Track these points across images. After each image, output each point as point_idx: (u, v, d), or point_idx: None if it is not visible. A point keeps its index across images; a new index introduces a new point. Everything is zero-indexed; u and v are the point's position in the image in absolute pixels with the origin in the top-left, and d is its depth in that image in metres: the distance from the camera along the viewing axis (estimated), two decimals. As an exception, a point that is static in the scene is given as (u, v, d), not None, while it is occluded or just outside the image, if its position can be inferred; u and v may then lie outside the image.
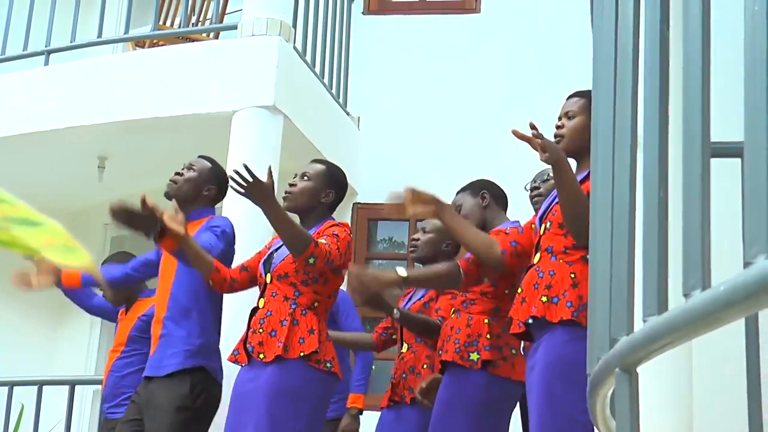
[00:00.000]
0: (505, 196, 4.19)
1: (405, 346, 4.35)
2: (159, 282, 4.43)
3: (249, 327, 3.91)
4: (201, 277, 4.09)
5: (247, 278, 4.08)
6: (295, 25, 6.12)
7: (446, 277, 3.70)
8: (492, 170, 6.65)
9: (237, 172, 3.72)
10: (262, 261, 4.04)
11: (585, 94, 3.38)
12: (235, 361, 3.93)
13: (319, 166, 4.13)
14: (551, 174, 4.36)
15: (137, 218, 3.93)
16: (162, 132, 6.15)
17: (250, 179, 3.71)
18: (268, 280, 3.94)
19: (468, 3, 7.32)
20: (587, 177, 3.19)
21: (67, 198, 7.78)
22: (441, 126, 7.12)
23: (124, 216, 3.99)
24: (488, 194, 4.11)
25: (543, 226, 3.32)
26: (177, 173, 4.49)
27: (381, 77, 7.30)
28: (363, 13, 7.43)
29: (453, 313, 4.01)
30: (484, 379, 3.79)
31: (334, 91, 6.79)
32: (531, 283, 3.24)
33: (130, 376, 4.91)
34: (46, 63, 6.40)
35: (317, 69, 6.52)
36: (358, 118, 7.13)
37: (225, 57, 5.83)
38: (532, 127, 3.17)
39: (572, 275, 3.16)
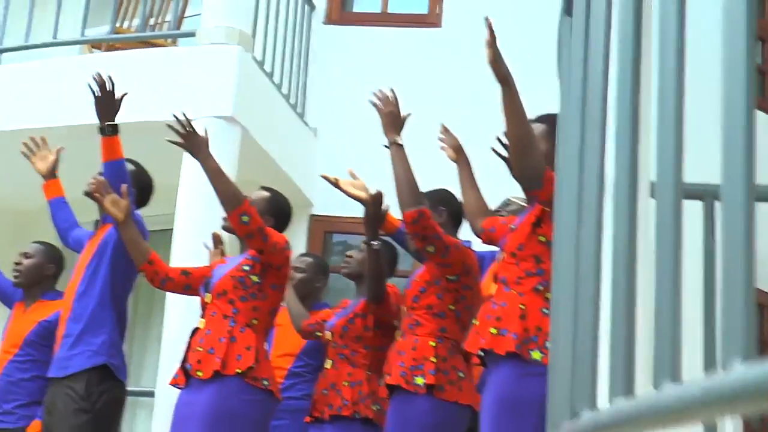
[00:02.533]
0: (461, 215, 4.15)
1: (329, 362, 4.31)
2: (69, 282, 4.36)
3: (189, 347, 3.87)
4: (108, 280, 4.14)
5: (183, 283, 4.10)
6: (254, 34, 6.05)
7: (410, 188, 3.66)
8: (451, 184, 6.63)
9: (176, 118, 3.70)
10: (203, 283, 4.00)
11: (545, 120, 3.35)
12: (175, 385, 3.89)
13: (263, 194, 4.13)
14: (512, 199, 4.35)
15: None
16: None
17: (189, 129, 3.76)
18: (208, 300, 3.92)
19: (429, 17, 7.28)
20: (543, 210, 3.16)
21: (17, 198, 7.63)
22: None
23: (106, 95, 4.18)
24: (446, 212, 4.07)
25: (500, 256, 3.30)
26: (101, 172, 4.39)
27: (340, 88, 7.23)
28: (324, 23, 7.35)
29: (400, 336, 3.96)
30: (431, 403, 3.74)
31: (292, 101, 6.73)
32: (485, 314, 3.21)
33: (23, 383, 4.72)
34: (-1, 62, 6.28)
35: (276, 79, 6.45)
36: (316, 129, 7.06)
37: (183, 65, 5.75)
38: (487, 19, 3.15)
39: (521, 306, 3.13)
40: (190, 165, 5.45)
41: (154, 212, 6.90)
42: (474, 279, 3.89)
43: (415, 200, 3.64)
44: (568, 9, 1.74)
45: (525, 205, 4.36)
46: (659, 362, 1.07)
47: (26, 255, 4.88)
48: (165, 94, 5.72)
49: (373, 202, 4.03)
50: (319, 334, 4.52)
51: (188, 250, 5.37)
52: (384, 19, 7.37)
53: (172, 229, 5.68)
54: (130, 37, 6.33)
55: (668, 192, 1.23)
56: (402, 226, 4.31)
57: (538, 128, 3.33)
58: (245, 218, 3.74)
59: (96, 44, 6.73)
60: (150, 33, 6.26)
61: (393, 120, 3.82)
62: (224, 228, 4.14)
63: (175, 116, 3.73)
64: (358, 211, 6.88)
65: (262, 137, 5.94)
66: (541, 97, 6.51)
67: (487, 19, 3.11)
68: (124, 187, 4.01)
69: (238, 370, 3.72)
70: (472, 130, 6.99)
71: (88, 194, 4.32)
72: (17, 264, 4.86)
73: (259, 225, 3.77)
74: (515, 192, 4.19)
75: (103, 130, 4.16)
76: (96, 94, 3.86)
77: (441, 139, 3.83)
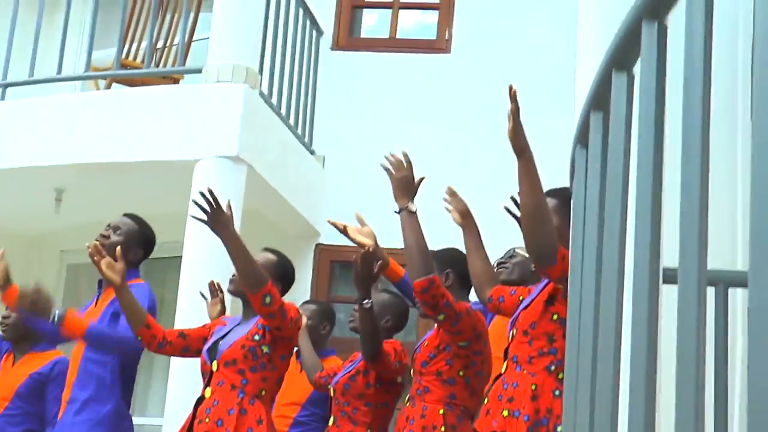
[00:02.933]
0: (469, 276, 4.06)
1: (332, 419, 4.25)
2: (74, 347, 4.27)
3: (194, 417, 3.81)
4: (114, 348, 4.09)
5: (181, 346, 4.03)
6: (261, 67, 6.00)
7: (421, 256, 3.57)
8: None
9: (202, 195, 3.65)
10: (206, 349, 3.94)
11: (557, 194, 3.28)
12: None
13: (270, 257, 4.12)
14: (517, 251, 4.28)
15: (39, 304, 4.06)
16: (122, 174, 6.01)
17: (215, 207, 3.69)
18: (214, 368, 3.85)
19: (438, 42, 7.21)
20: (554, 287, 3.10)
21: (23, 224, 7.61)
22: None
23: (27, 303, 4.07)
24: (453, 274, 3.98)
25: (511, 332, 3.23)
26: (102, 234, 4.33)
27: (348, 114, 7.18)
28: (331, 49, 7.30)
29: (408, 401, 3.89)
30: None
31: (299, 130, 6.68)
32: (496, 394, 3.16)
33: None
34: (3, 97, 6.23)
35: (283, 108, 6.41)
36: (323, 157, 7.01)
37: (189, 102, 5.70)
38: (511, 88, 3.05)
39: (533, 387, 3.08)
40: (197, 207, 5.41)
41: (163, 240, 6.88)
42: (484, 344, 3.81)
43: (425, 269, 3.55)
44: (582, 139, 1.69)
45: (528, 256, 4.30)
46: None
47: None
48: (170, 132, 5.68)
49: (363, 262, 3.95)
50: (330, 387, 4.46)
51: (197, 278, 5.35)
52: (392, 44, 7.30)
53: (180, 257, 5.64)
54: (134, 73, 6.27)
55: (691, 278, 1.23)
56: (405, 275, 4.24)
57: (549, 203, 3.26)
58: (268, 299, 3.69)
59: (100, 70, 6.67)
60: (155, 69, 6.20)
61: (405, 185, 3.71)
62: (230, 291, 4.07)
63: (201, 193, 3.67)
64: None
65: (268, 173, 5.89)
66: (551, 114, 6.47)
67: (511, 88, 3.02)
68: (118, 250, 3.94)
69: None
70: (481, 155, 6.95)
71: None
72: (5, 318, 4.80)
73: (280, 305, 3.71)
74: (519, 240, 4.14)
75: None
76: (207, 213, 3.71)
77: (447, 201, 3.72)
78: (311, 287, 6.89)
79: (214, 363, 3.85)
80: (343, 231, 4.19)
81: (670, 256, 1.55)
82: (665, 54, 1.34)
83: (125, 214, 4.46)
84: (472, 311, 3.71)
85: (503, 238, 4.34)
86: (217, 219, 3.70)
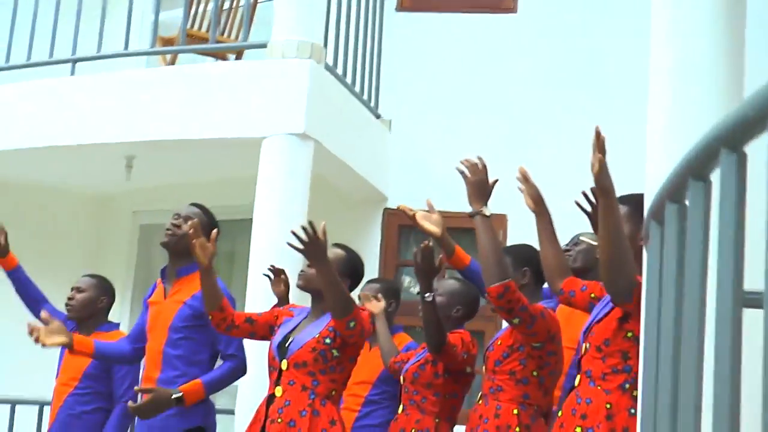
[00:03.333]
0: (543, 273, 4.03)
1: (401, 407, 4.29)
2: (149, 338, 4.33)
3: (267, 416, 3.87)
4: (206, 343, 4.19)
5: (248, 331, 4.07)
6: (326, 32, 5.98)
7: (496, 262, 3.56)
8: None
9: (303, 228, 3.70)
10: (275, 344, 3.98)
11: (627, 201, 3.24)
12: None
13: (340, 253, 4.12)
14: (582, 238, 4.25)
15: None
16: (189, 151, 6.08)
17: (311, 238, 3.71)
18: (283, 367, 3.89)
19: (505, 2, 7.10)
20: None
21: (94, 185, 7.74)
22: (475, 128, 6.96)
23: None
24: (530, 272, 3.97)
25: (584, 345, 3.22)
26: (173, 224, 4.36)
27: (414, 77, 7.13)
28: (396, 10, 7.23)
29: (480, 399, 3.91)
30: None
31: (365, 95, 6.66)
32: (570, 408, 3.16)
33: (85, 415, 4.81)
34: (72, 72, 6.30)
35: (348, 75, 6.39)
36: (390, 121, 6.99)
37: (255, 79, 5.72)
38: (598, 133, 3.01)
39: (608, 405, 3.07)
40: (265, 184, 5.47)
41: (234, 202, 6.98)
42: (558, 344, 3.82)
43: (500, 274, 3.55)
44: (656, 216, 1.69)
45: (595, 243, 4.26)
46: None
47: (79, 289, 4.95)
48: (237, 109, 5.71)
49: (423, 256, 3.96)
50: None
51: (267, 240, 5.44)
52: (458, 4, 7.20)
53: (251, 219, 5.71)
54: (200, 48, 6.30)
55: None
56: (472, 263, 4.23)
57: (620, 210, 3.22)
58: (353, 324, 3.75)
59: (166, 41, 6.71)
60: (219, 45, 6.22)
61: (479, 189, 3.71)
62: (299, 287, 4.11)
63: (303, 227, 3.70)
64: (435, 204, 6.86)
65: (335, 146, 5.90)
66: (618, 75, 6.35)
67: (597, 129, 2.99)
68: (214, 233, 3.99)
69: None
70: (549, 115, 6.87)
71: (165, 244, 4.31)
72: (70, 299, 4.94)
73: (361, 328, 3.77)
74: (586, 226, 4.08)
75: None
76: (305, 244, 3.77)
77: (519, 181, 3.68)
78: (380, 252, 6.92)
79: (284, 362, 3.89)
80: (412, 218, 4.19)
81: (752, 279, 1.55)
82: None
83: (192, 204, 4.50)
84: (546, 312, 3.70)
85: (568, 208, 4.25)
86: (315, 250, 3.72)
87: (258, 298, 5.21)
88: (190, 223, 3.98)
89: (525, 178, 3.65)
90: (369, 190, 6.73)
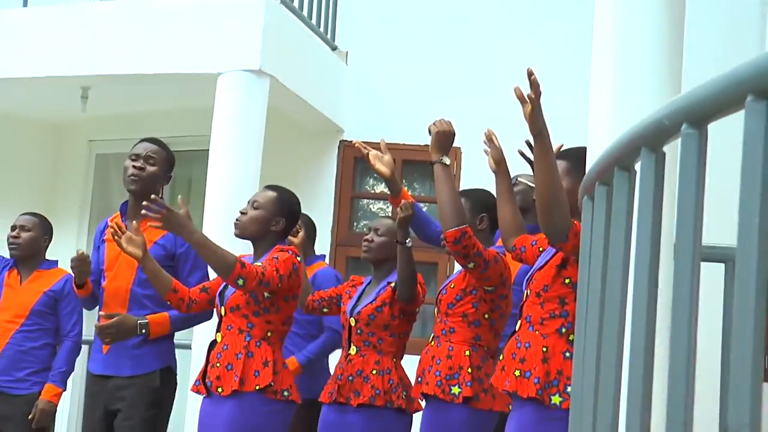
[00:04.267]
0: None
1: (354, 348, 4.30)
2: (108, 277, 4.30)
3: (208, 361, 3.93)
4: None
5: (206, 299, 4.07)
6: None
7: (454, 208, 3.65)
8: (481, 107, 6.60)
9: (149, 204, 3.71)
10: (218, 292, 4.03)
11: (567, 156, 3.32)
12: (197, 392, 3.97)
13: (270, 194, 4.04)
14: (520, 179, 4.35)
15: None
16: (146, 85, 6.06)
17: (164, 211, 3.71)
18: (222, 313, 3.94)
19: (462, -66, 7.09)
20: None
21: (50, 114, 7.69)
22: (432, 60, 7.00)
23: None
24: (487, 218, 4.05)
25: (526, 292, 3.32)
26: (135, 167, 4.23)
27: (370, 7, 7.12)
28: (352, -59, 7.19)
29: (432, 340, 4.00)
30: (468, 413, 3.80)
31: (321, 27, 6.66)
32: (510, 351, 3.26)
33: (35, 351, 4.89)
34: (25, 4, 6.23)
35: (305, 7, 6.38)
36: (347, 53, 7.00)
37: (210, 14, 5.71)
38: (531, 73, 3.08)
39: (544, 349, 3.18)
40: (221, 120, 5.49)
41: (191, 133, 6.99)
42: (509, 288, 3.92)
43: (457, 219, 3.63)
44: (602, 179, 1.76)
45: (532, 185, 4.36)
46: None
47: (23, 227, 4.99)
48: (193, 44, 5.70)
49: (407, 207, 4.01)
50: (326, 310, 4.53)
51: (224, 173, 5.50)
52: (414, -65, 7.18)
53: (208, 150, 5.74)
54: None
55: (687, 255, 1.35)
56: (416, 206, 4.26)
57: (560, 165, 3.29)
58: (241, 282, 3.72)
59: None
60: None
61: (443, 140, 3.76)
62: (236, 235, 4.09)
63: (147, 204, 3.71)
64: (388, 136, 6.89)
65: (291, 81, 5.92)
66: (572, 8, 6.38)
67: (529, 72, 3.04)
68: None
69: (258, 387, 3.78)
70: (506, 46, 6.90)
71: (133, 192, 4.27)
72: (15, 237, 4.97)
73: (258, 279, 3.72)
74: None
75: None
76: (160, 219, 3.82)
77: (485, 143, 3.69)
78: (335, 183, 6.98)
79: (222, 308, 3.94)
80: (365, 156, 4.23)
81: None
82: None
83: (148, 140, 4.31)
84: (499, 257, 3.79)
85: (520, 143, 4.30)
86: (172, 221, 3.73)
87: (213, 225, 5.30)
88: (110, 228, 3.97)
89: (490, 140, 3.68)
90: (325, 123, 6.77)
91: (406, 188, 4.42)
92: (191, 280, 4.21)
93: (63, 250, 7.62)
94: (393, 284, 4.27)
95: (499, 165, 3.64)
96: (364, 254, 4.43)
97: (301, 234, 4.76)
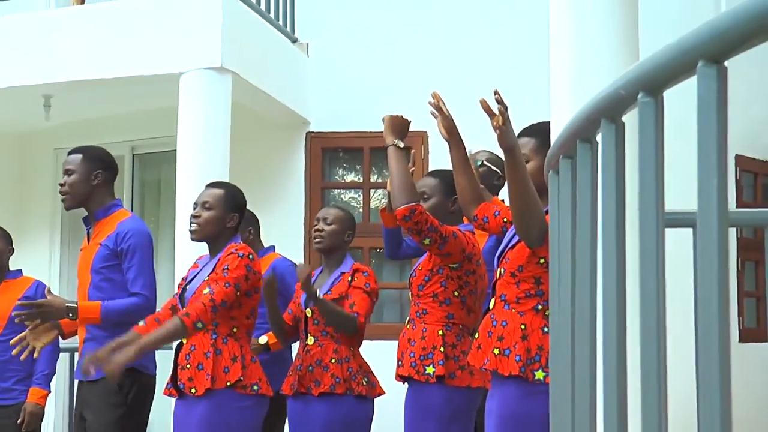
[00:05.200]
0: None
1: (311, 338, 4.33)
2: (78, 282, 4.37)
3: (177, 363, 3.96)
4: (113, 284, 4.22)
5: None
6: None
7: (405, 186, 3.71)
8: (445, 91, 6.59)
9: (24, 307, 3.99)
10: (178, 295, 4.06)
11: (534, 132, 3.34)
12: (169, 394, 4.00)
13: (218, 192, 4.07)
14: (485, 162, 4.38)
15: None
16: (108, 89, 6.05)
17: (38, 309, 3.98)
18: None
19: None
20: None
21: (13, 124, 7.65)
22: (392, 47, 7.01)
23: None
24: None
25: (499, 270, 3.34)
26: (62, 183, 4.33)
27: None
28: (305, -70, 7.18)
29: (408, 323, 4.03)
30: (444, 392, 3.85)
31: (281, 21, 6.65)
32: (486, 330, 3.29)
33: (16, 359, 4.81)
34: (-20, 15, 6.20)
35: (263, 1, 6.37)
36: (307, 44, 7.00)
37: (168, 14, 5.70)
38: (497, 93, 3.10)
39: (522, 326, 3.21)
40: (186, 120, 5.48)
41: (156, 134, 6.98)
42: (477, 265, 3.95)
43: (408, 197, 3.67)
44: (566, 151, 1.79)
45: (493, 168, 4.39)
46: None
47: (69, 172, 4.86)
48: (153, 45, 5.69)
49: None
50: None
51: (192, 171, 5.53)
52: None
53: (175, 150, 5.75)
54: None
55: (651, 221, 1.38)
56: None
57: (529, 143, 3.32)
58: (200, 325, 3.77)
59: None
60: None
61: (396, 124, 3.82)
62: (193, 239, 4.13)
63: (21, 307, 3.99)
64: (354, 125, 6.92)
65: (253, 76, 5.92)
66: None
67: (496, 93, 3.06)
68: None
69: (228, 383, 3.81)
70: (465, 40, 6.91)
71: (68, 208, 4.37)
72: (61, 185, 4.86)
73: (211, 308, 3.76)
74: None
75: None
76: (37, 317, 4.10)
77: (432, 107, 3.58)
78: (304, 175, 6.98)
79: (183, 310, 3.93)
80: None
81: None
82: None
83: (73, 150, 4.40)
84: (459, 233, 3.83)
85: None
86: (51, 313, 4.02)
87: (186, 225, 5.27)
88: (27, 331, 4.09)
89: (438, 107, 3.57)
90: (290, 116, 6.77)
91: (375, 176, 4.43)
92: (129, 276, 4.22)
93: (36, 259, 7.64)
94: (348, 276, 4.32)
95: (452, 134, 3.57)
96: (317, 245, 4.47)
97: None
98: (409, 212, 3.67)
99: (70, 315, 4.14)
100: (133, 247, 4.20)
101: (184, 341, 3.93)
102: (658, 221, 1.43)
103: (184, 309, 3.81)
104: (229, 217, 4.01)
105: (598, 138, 1.64)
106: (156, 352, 4.33)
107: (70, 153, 4.39)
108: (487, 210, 3.54)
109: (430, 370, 3.85)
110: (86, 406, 4.25)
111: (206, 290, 3.83)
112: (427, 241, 3.76)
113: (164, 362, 4.55)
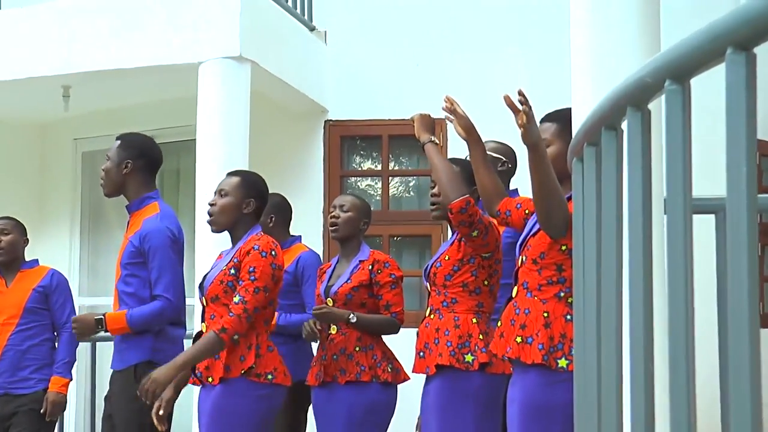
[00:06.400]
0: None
1: (334, 328, 4.35)
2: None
3: None
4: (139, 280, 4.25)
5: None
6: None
7: (453, 180, 3.76)
8: (462, 83, 6.61)
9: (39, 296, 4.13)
10: (198, 285, 4.06)
11: (556, 118, 3.34)
12: (193, 383, 4.01)
13: (234, 179, 4.05)
14: (489, 151, 4.37)
15: None
16: (127, 79, 6.07)
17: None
18: (204, 303, 3.97)
19: None
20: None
21: (33, 115, 7.68)
22: (410, 34, 7.00)
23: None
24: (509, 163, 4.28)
25: (520, 258, 3.34)
26: (104, 169, 4.35)
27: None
28: None
29: (431, 313, 4.01)
30: (483, 379, 3.84)
31: (298, 9, 6.66)
32: (509, 318, 3.28)
33: (34, 348, 5.00)
34: (-1, 6, 6.23)
35: (280, -7, 6.39)
36: (325, 32, 7.00)
37: (188, 4, 5.71)
38: (521, 94, 3.11)
39: (545, 314, 3.20)
40: (205, 109, 5.50)
41: (176, 123, 7.00)
42: (501, 252, 3.97)
43: (459, 190, 3.71)
44: (590, 139, 1.79)
45: (497, 156, 4.39)
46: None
47: (3, 232, 5.09)
48: (172, 35, 5.70)
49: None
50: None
51: (212, 160, 5.54)
52: None
53: (194, 139, 5.77)
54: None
55: (678, 208, 1.38)
56: None
57: (550, 128, 3.32)
58: (236, 337, 3.79)
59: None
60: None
61: (426, 122, 3.87)
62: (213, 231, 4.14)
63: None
64: (372, 113, 6.92)
65: (272, 64, 5.93)
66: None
67: (520, 93, 3.07)
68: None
69: (243, 371, 3.81)
70: (483, 26, 6.89)
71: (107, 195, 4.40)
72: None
73: (245, 317, 3.77)
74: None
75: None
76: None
77: (446, 111, 3.61)
78: (323, 163, 6.99)
79: (203, 299, 3.96)
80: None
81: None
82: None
83: (129, 135, 4.46)
84: (493, 224, 3.84)
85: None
86: (83, 332, 4.22)
87: (205, 215, 5.29)
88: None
89: (452, 109, 3.60)
90: (309, 104, 6.78)
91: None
92: (152, 277, 4.22)
93: (56, 249, 7.68)
94: (368, 264, 4.33)
95: (470, 133, 3.59)
96: (333, 233, 4.49)
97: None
98: (465, 204, 3.70)
99: (100, 327, 4.20)
100: (153, 249, 4.20)
101: (203, 329, 3.95)
102: (686, 208, 1.43)
103: (219, 323, 3.79)
104: (245, 203, 3.99)
105: (623, 125, 1.65)
106: (183, 343, 4.36)
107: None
108: (509, 204, 3.55)
109: (469, 358, 3.84)
110: (110, 396, 4.30)
111: (236, 299, 3.81)
112: (475, 233, 3.80)
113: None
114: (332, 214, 4.48)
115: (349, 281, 4.33)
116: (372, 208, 4.76)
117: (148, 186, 4.34)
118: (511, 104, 3.10)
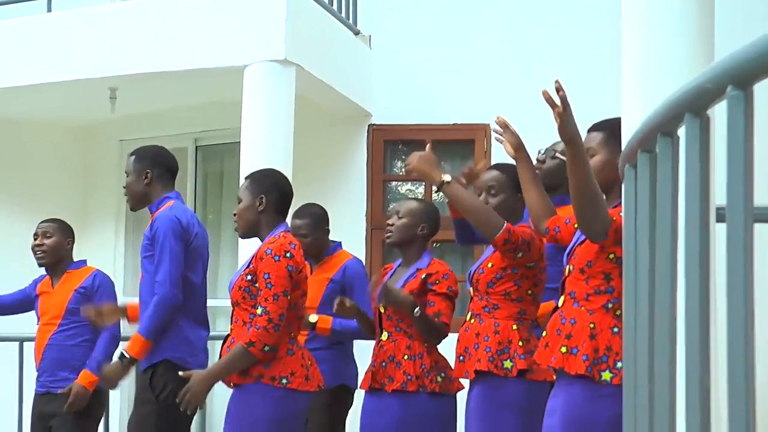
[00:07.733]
0: None
1: (385, 334, 4.30)
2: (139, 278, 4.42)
3: (220, 355, 3.95)
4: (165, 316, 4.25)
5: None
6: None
7: (487, 214, 3.73)
8: (507, 88, 6.56)
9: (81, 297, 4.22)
10: (229, 287, 4.05)
11: (603, 127, 3.28)
12: (227, 383, 3.99)
13: (244, 183, 4.07)
14: (558, 155, 4.30)
15: None
16: (173, 81, 6.09)
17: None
18: (231, 306, 3.98)
19: None
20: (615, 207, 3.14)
21: (79, 117, 7.74)
22: (454, 38, 6.96)
23: None
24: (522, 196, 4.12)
25: (568, 267, 3.28)
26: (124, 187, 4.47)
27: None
28: None
29: (472, 318, 3.97)
30: (524, 386, 3.80)
31: (343, 12, 6.65)
32: (554, 328, 3.22)
33: (73, 349, 5.02)
34: (49, 9, 6.25)
35: (326, -2, 6.39)
36: (369, 36, 6.98)
37: (234, 7, 5.72)
38: (557, 81, 3.04)
39: (591, 325, 3.13)
40: (250, 112, 5.50)
41: (220, 126, 7.02)
42: (545, 259, 3.92)
43: (496, 222, 3.71)
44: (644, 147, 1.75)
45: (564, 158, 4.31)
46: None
47: (45, 234, 5.13)
48: (217, 39, 5.72)
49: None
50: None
51: (256, 163, 5.48)
52: None
53: (238, 142, 5.77)
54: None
55: (739, 217, 1.33)
56: None
57: (597, 136, 3.25)
58: (267, 348, 3.77)
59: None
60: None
61: (431, 162, 3.90)
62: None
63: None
64: (416, 118, 6.89)
65: (317, 68, 5.92)
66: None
67: (556, 82, 3.01)
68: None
69: (260, 375, 3.80)
70: (530, 31, 6.83)
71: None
72: (39, 245, 5.11)
73: (272, 327, 3.76)
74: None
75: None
76: None
77: (498, 133, 3.61)
78: (367, 168, 6.97)
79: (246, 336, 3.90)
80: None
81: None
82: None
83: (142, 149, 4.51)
84: (535, 235, 3.79)
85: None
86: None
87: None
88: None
89: (504, 125, 3.59)
90: (353, 108, 6.76)
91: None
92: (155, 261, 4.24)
93: (101, 250, 7.72)
94: (423, 274, 4.27)
95: (518, 150, 3.56)
96: (388, 239, 4.45)
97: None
98: (507, 235, 3.72)
99: (125, 360, 4.21)
100: (157, 234, 4.23)
101: (230, 331, 3.94)
102: (747, 216, 1.38)
103: (247, 336, 3.78)
104: (257, 201, 3.96)
105: (680, 132, 1.60)
106: (205, 345, 4.36)
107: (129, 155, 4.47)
108: (559, 220, 3.49)
109: (508, 364, 3.80)
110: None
111: (259, 310, 3.79)
112: (520, 255, 3.80)
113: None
114: (389, 221, 4.44)
115: (401, 288, 4.27)
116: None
117: (168, 189, 4.41)
118: (549, 99, 3.04)
